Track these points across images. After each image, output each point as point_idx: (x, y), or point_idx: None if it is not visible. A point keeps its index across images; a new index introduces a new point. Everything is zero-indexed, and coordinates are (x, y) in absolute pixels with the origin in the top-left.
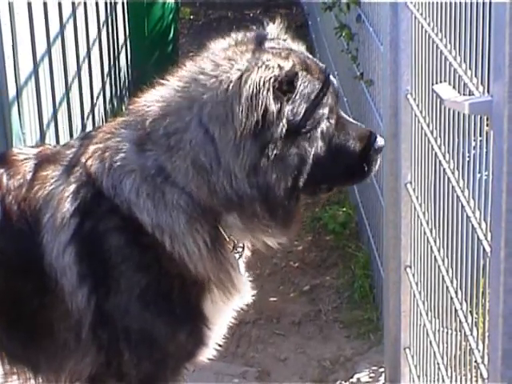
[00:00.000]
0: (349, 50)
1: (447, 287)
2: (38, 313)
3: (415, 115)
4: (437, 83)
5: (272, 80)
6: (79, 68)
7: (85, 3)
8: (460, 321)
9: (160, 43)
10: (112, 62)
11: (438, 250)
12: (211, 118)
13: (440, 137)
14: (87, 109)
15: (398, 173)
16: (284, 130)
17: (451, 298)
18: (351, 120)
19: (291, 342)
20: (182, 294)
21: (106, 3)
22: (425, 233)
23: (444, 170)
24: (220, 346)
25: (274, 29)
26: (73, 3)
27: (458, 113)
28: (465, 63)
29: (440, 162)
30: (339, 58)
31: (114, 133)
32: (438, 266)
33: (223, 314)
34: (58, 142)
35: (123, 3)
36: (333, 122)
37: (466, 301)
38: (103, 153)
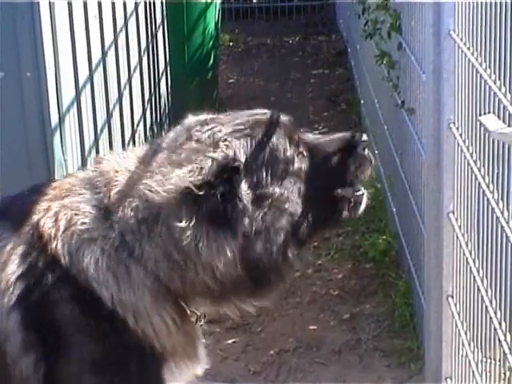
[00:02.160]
0: (389, 78)
1: (491, 318)
2: None
3: (458, 144)
4: (481, 113)
5: (198, 183)
6: (120, 95)
7: (126, 31)
8: (504, 352)
9: (200, 70)
10: (152, 89)
11: (482, 280)
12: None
13: (484, 167)
14: (128, 135)
15: (440, 202)
16: (247, 206)
17: (495, 329)
18: (325, 137)
19: (331, 370)
20: (141, 365)
21: (146, 31)
22: (467, 262)
23: (488, 200)
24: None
25: (196, 118)
26: (114, 31)
27: (503, 143)
28: (510, 94)
29: (484, 191)
30: (380, 85)
31: (73, 191)
32: (481, 296)
33: (183, 379)
34: None
35: (163, 31)
36: (300, 154)
37: (510, 332)
38: (58, 212)
